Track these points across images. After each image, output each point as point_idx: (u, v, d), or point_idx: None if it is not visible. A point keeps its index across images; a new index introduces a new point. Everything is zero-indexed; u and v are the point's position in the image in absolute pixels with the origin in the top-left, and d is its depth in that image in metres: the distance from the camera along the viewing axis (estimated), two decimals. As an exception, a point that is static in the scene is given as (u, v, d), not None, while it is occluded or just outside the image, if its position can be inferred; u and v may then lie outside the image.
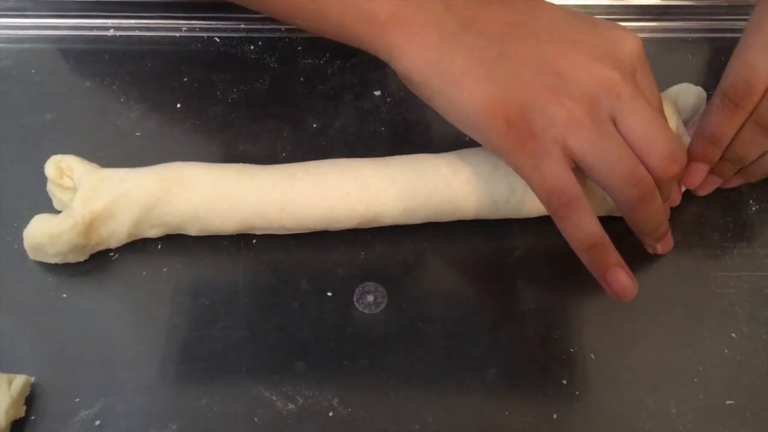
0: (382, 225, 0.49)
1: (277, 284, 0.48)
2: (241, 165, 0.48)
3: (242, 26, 0.60)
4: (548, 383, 0.45)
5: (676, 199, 0.50)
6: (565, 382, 0.45)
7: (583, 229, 0.42)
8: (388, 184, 0.47)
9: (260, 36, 0.59)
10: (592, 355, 0.46)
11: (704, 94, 0.52)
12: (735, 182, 0.51)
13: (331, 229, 0.49)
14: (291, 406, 0.44)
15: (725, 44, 0.59)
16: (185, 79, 0.57)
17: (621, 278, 0.43)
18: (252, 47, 0.59)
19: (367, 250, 0.49)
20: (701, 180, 0.50)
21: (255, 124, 0.54)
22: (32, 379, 0.44)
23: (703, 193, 0.51)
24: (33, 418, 0.43)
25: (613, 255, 0.43)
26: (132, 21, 0.59)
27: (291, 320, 0.47)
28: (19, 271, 0.48)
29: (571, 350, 0.46)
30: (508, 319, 0.48)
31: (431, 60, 0.44)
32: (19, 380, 0.43)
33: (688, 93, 0.51)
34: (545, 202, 0.42)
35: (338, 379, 0.45)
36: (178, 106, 0.55)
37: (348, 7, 0.45)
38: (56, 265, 0.48)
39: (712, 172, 0.50)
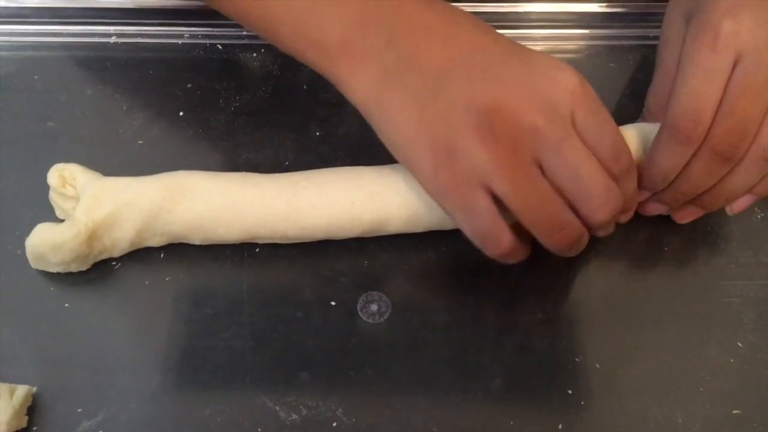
0: (386, 234, 0.49)
1: (280, 293, 0.48)
2: (244, 174, 0.48)
3: (245, 33, 0.59)
4: (553, 393, 0.45)
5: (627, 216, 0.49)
6: (570, 392, 0.45)
7: (515, 261, 0.45)
8: (393, 192, 0.47)
9: (263, 43, 0.59)
10: (597, 365, 0.46)
11: None
12: (693, 215, 0.49)
13: (335, 238, 0.48)
14: (295, 416, 0.44)
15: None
16: (188, 87, 0.56)
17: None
18: (254, 54, 0.59)
19: (371, 259, 0.49)
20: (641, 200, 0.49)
21: (258, 132, 0.54)
22: (34, 389, 0.44)
23: (648, 213, 0.50)
24: (35, 428, 0.43)
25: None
26: (134, 28, 0.59)
27: (295, 330, 0.47)
28: (21, 280, 0.48)
29: (577, 360, 0.46)
30: (513, 328, 0.47)
31: (372, 95, 0.44)
32: (21, 390, 0.43)
33: None
34: (480, 248, 0.43)
35: (342, 389, 0.45)
36: (181, 114, 0.55)
37: (299, 34, 0.45)
38: (58, 274, 0.47)
39: (661, 201, 0.48)
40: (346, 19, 0.44)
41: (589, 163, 0.41)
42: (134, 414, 0.44)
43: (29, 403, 0.43)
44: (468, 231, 0.43)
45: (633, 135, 0.48)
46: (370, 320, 0.47)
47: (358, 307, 0.48)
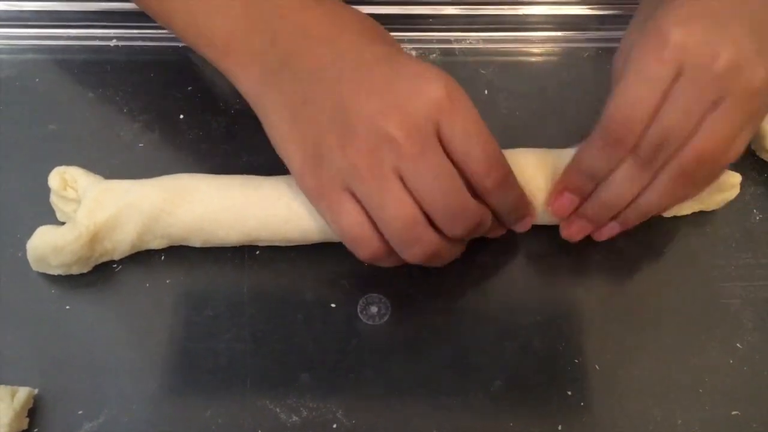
0: (386, 236, 0.49)
1: (281, 296, 0.48)
2: (245, 176, 0.48)
3: (245, 36, 0.59)
4: (553, 395, 0.45)
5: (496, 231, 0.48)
6: (570, 393, 0.45)
7: (389, 265, 0.44)
8: (392, 194, 0.47)
9: (263, 46, 0.59)
10: (596, 367, 0.46)
11: None
12: (611, 231, 0.47)
13: (335, 241, 0.48)
14: (295, 418, 0.44)
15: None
16: (188, 90, 0.57)
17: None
18: (255, 57, 0.59)
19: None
20: (569, 210, 0.47)
21: (258, 135, 0.53)
22: (35, 392, 0.44)
23: (575, 238, 0.48)
24: (36, 430, 0.43)
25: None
26: (134, 31, 0.59)
27: (295, 332, 0.47)
28: (22, 282, 0.48)
29: (576, 361, 0.46)
30: (513, 330, 0.47)
31: (255, 92, 0.45)
32: (22, 392, 0.43)
33: None
34: (352, 251, 0.43)
35: (342, 391, 0.45)
36: (181, 117, 0.55)
37: (191, 28, 0.46)
38: (59, 276, 0.48)
39: (585, 214, 0.47)
40: (233, 17, 0.45)
41: (446, 179, 0.41)
42: (135, 416, 0.44)
43: (30, 405, 0.43)
44: (337, 233, 0.43)
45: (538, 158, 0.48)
46: (370, 322, 0.47)
47: (358, 309, 0.48)
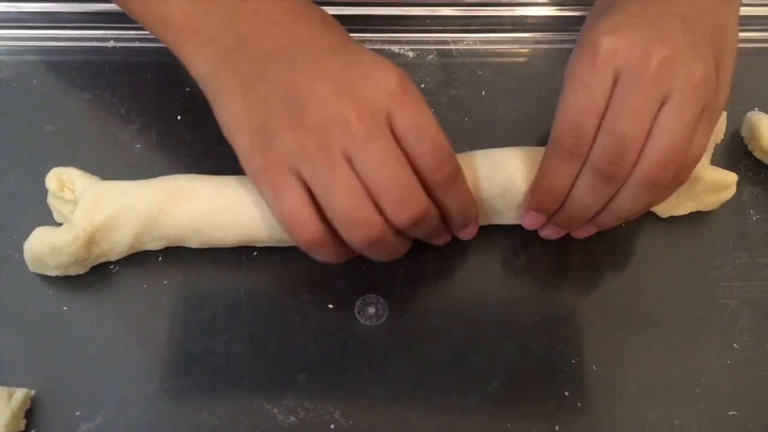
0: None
1: (278, 297, 0.48)
2: (242, 177, 0.48)
3: (242, 37, 0.59)
4: (551, 395, 0.45)
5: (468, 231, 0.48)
6: (567, 393, 0.45)
7: (329, 258, 0.44)
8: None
9: (260, 47, 0.59)
10: (594, 367, 0.46)
11: None
12: (587, 232, 0.49)
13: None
14: (292, 418, 0.44)
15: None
16: (186, 91, 0.56)
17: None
18: (252, 58, 0.59)
19: (367, 261, 0.49)
20: (540, 224, 0.48)
21: None
22: (32, 393, 0.44)
23: (551, 238, 0.49)
24: (33, 431, 0.43)
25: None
26: (132, 32, 0.59)
27: (293, 333, 0.47)
28: (20, 283, 0.48)
29: (574, 362, 0.46)
30: (511, 331, 0.47)
31: (207, 73, 0.45)
32: (20, 393, 0.43)
33: None
34: (288, 234, 0.43)
35: (340, 392, 0.45)
36: (179, 117, 0.55)
37: (147, 7, 0.47)
38: (56, 277, 0.48)
39: (557, 224, 0.48)
40: None
41: (394, 164, 0.41)
42: (132, 417, 0.44)
43: (27, 406, 0.43)
44: (276, 215, 0.43)
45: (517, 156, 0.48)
46: (367, 323, 0.47)
47: (356, 310, 0.48)
